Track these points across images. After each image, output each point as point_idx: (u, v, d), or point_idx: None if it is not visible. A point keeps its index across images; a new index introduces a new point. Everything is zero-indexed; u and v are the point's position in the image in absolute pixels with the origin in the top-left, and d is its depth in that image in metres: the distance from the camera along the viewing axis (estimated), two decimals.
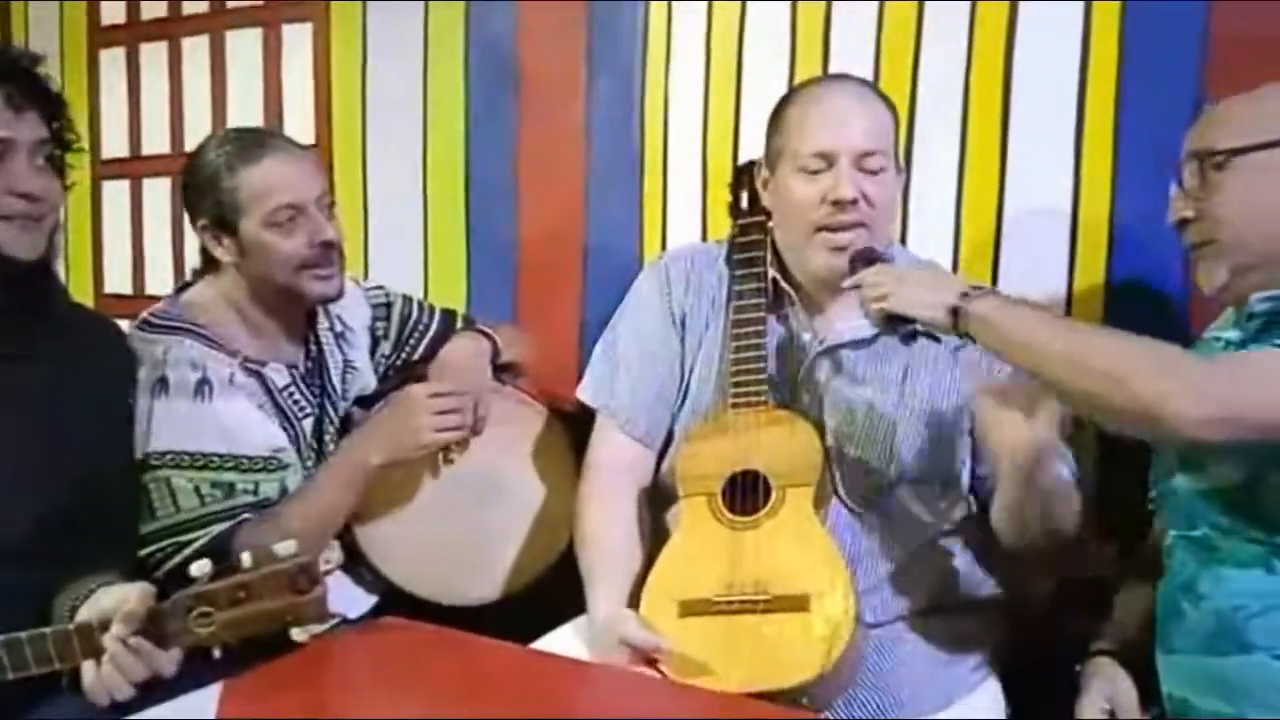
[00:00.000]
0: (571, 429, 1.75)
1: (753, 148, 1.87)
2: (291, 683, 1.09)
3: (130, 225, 2.61)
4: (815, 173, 1.38)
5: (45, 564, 1.24)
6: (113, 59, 2.60)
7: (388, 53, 2.23)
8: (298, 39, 2.33)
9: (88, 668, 1.09)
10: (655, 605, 1.34)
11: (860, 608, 1.29)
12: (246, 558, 1.06)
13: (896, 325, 1.26)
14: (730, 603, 1.29)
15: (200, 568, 1.07)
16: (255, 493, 1.51)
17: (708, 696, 1.18)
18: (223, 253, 1.56)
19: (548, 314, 2.10)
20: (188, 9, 2.47)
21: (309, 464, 1.63)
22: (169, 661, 1.08)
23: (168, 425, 1.46)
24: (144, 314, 1.58)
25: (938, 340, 1.39)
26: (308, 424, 1.63)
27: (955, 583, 1.43)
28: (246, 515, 1.48)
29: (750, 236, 1.49)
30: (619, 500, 1.50)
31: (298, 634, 1.08)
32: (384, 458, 1.55)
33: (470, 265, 2.19)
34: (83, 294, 2.56)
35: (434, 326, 1.81)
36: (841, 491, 1.41)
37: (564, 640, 1.45)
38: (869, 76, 1.75)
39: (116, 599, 1.10)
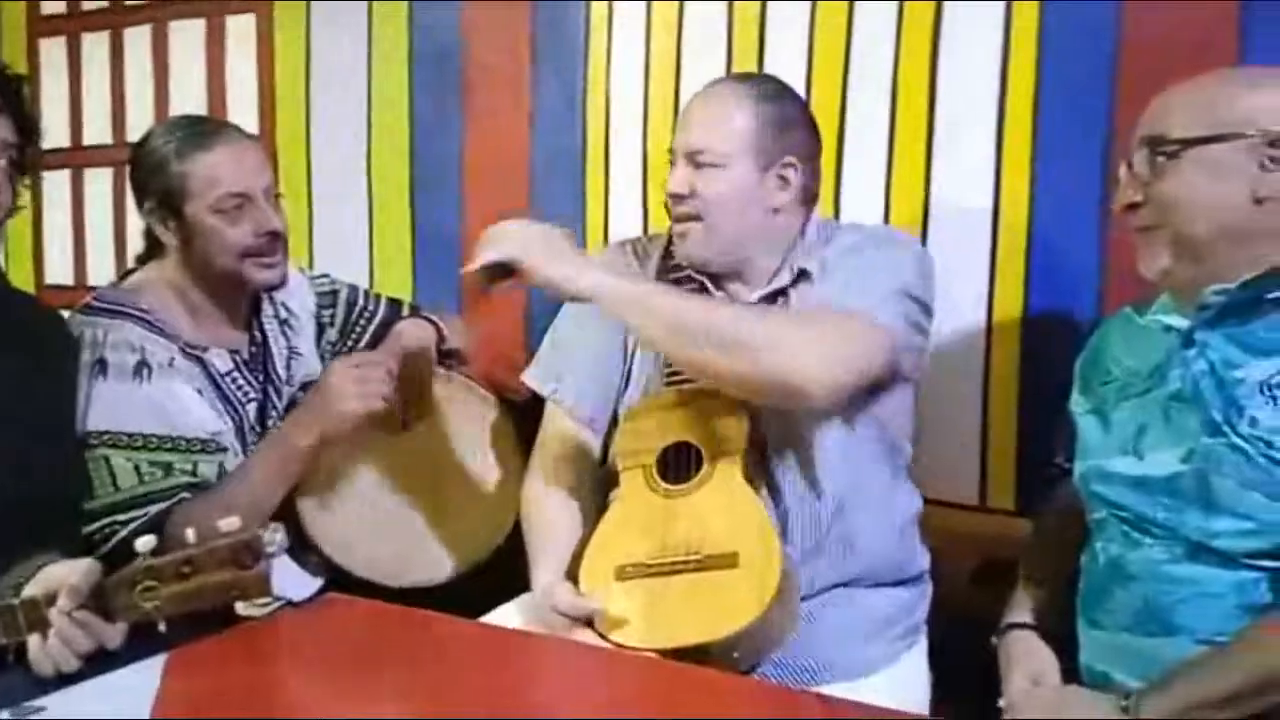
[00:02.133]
0: (517, 417, 1.78)
1: None
2: (236, 655, 1.12)
3: (71, 216, 2.60)
4: (674, 166, 1.48)
5: None
6: (53, 48, 2.59)
7: (332, 44, 2.25)
8: (241, 30, 2.34)
9: (34, 641, 1.10)
10: (592, 570, 1.39)
11: (790, 567, 1.34)
12: (190, 534, 1.08)
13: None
14: (663, 564, 1.34)
15: (145, 543, 1.08)
16: (194, 473, 1.52)
17: (640, 662, 1.22)
18: (168, 236, 1.58)
19: (492, 305, 2.11)
20: None
21: (252, 448, 1.65)
22: (115, 634, 1.10)
23: (107, 406, 1.47)
24: (86, 298, 1.59)
25: (805, 275, 1.45)
26: (251, 409, 1.64)
27: (882, 556, 1.47)
28: (184, 495, 1.50)
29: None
30: (562, 481, 1.55)
31: (242, 608, 1.11)
32: (313, 437, 1.55)
33: (415, 256, 2.21)
34: (23, 284, 2.52)
35: (380, 313, 1.83)
36: (765, 461, 1.45)
37: (507, 616, 1.49)
38: (801, 74, 1.82)
39: (62, 574, 1.12)
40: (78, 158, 2.58)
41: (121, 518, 1.46)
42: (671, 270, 1.53)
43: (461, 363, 1.85)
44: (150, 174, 1.57)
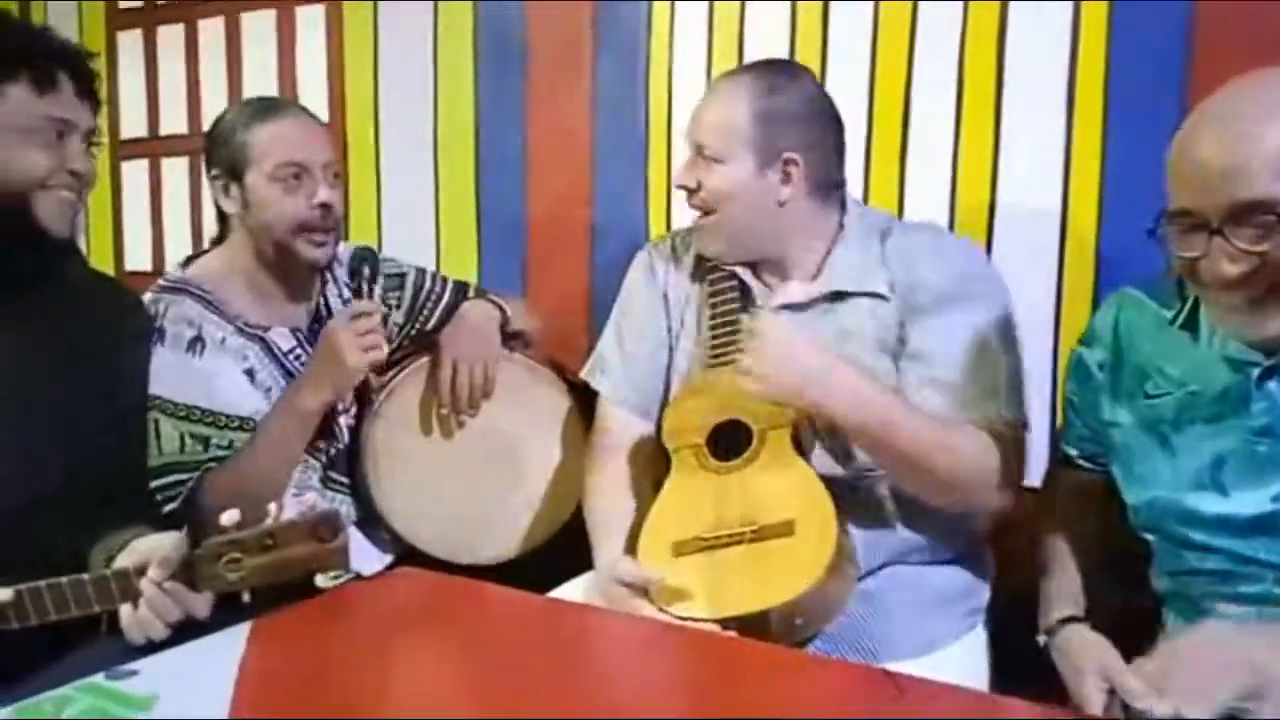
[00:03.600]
0: (581, 398, 1.81)
1: None
2: (315, 623, 1.16)
3: (149, 204, 2.68)
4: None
5: (73, 517, 1.30)
6: (131, 41, 2.66)
7: (399, 33, 2.28)
8: (311, 20, 2.38)
9: (125, 610, 1.15)
10: (649, 548, 1.41)
11: (846, 533, 1.35)
12: (273, 508, 1.13)
13: None
14: (719, 537, 1.36)
15: (230, 517, 1.13)
16: (229, 449, 1.58)
17: (706, 637, 1.23)
18: (229, 203, 1.64)
19: (556, 288, 2.16)
20: None
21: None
22: (202, 604, 1.14)
23: (159, 373, 1.54)
24: (158, 281, 1.68)
25: (879, 298, 1.46)
26: None
27: (939, 532, 1.47)
28: (210, 465, 1.56)
29: None
30: (620, 470, 1.59)
31: (322, 580, 1.15)
32: (322, 396, 1.58)
33: (480, 241, 2.24)
34: (105, 270, 2.63)
35: (446, 296, 1.86)
36: (819, 443, 1.46)
37: (570, 594, 1.51)
38: (867, 46, 1.81)
39: (152, 546, 1.17)
40: (155, 147, 2.66)
41: (157, 482, 1.52)
42: (710, 266, 1.55)
43: (527, 344, 1.88)
44: (218, 144, 1.65)
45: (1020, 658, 1.40)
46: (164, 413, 1.54)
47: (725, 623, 1.30)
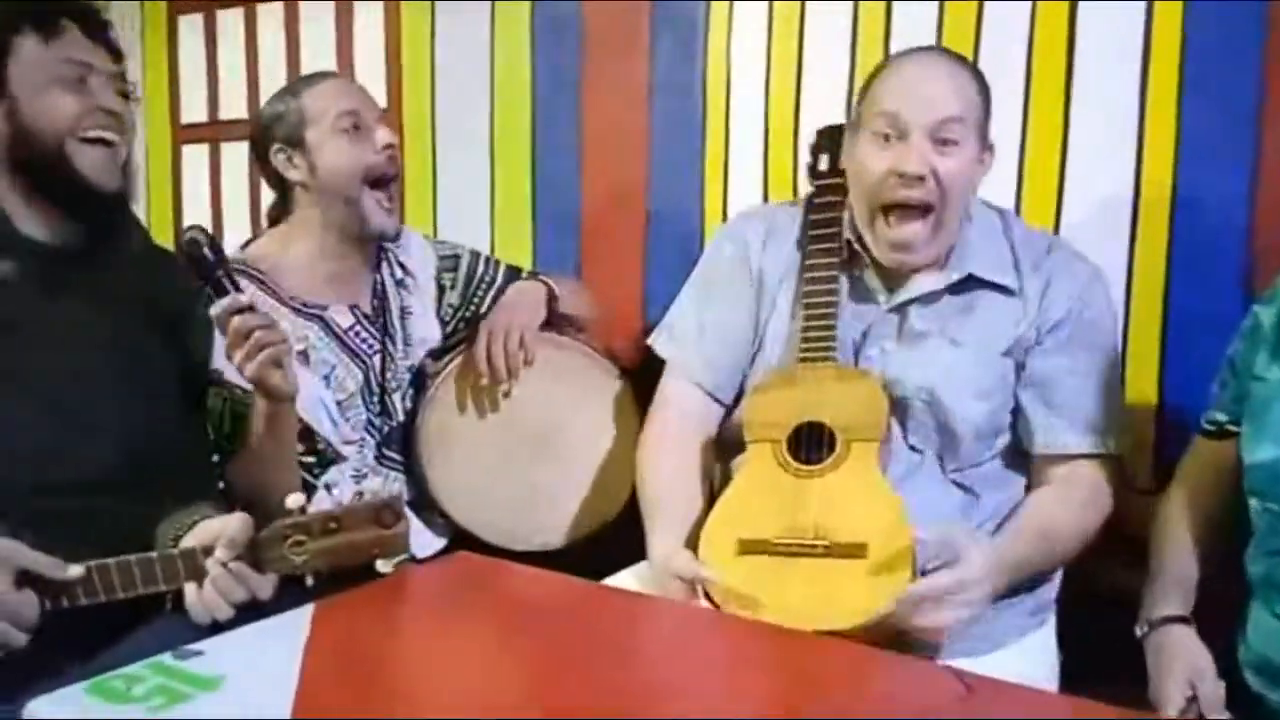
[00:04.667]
0: (635, 386, 1.80)
1: (814, 108, 1.90)
2: (377, 605, 1.16)
3: (209, 187, 2.71)
4: (886, 139, 1.34)
5: (137, 492, 1.32)
6: (191, 25, 2.68)
7: (456, 18, 2.28)
8: (369, 5, 2.38)
9: (190, 589, 1.17)
10: (714, 541, 1.37)
11: (919, 564, 1.30)
12: (335, 492, 1.14)
13: None
14: (789, 545, 1.32)
15: (295, 500, 1.15)
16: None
17: (767, 629, 1.21)
18: (295, 172, 1.65)
19: (611, 274, 2.15)
20: None
21: (373, 400, 1.72)
22: (265, 585, 1.16)
23: (217, 351, 1.55)
24: None
25: (1007, 292, 1.42)
26: (376, 361, 1.71)
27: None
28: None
29: (827, 198, 1.49)
30: (681, 445, 1.54)
31: (382, 565, 1.16)
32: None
33: (535, 226, 2.24)
34: None
35: (499, 280, 1.87)
36: (901, 441, 1.43)
37: (624, 583, 1.50)
38: (933, 32, 1.77)
39: (218, 528, 1.18)
40: (215, 131, 2.68)
41: None
42: (810, 250, 1.46)
43: (580, 329, 1.87)
44: (271, 122, 1.67)
45: (1087, 652, 1.39)
46: (212, 383, 1.55)
47: None
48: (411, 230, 1.87)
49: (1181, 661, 1.19)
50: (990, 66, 1.51)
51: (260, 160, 1.70)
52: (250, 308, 1.33)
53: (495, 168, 2.27)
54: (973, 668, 1.13)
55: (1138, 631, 1.26)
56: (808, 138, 1.89)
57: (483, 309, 1.84)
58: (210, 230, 1.38)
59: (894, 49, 1.80)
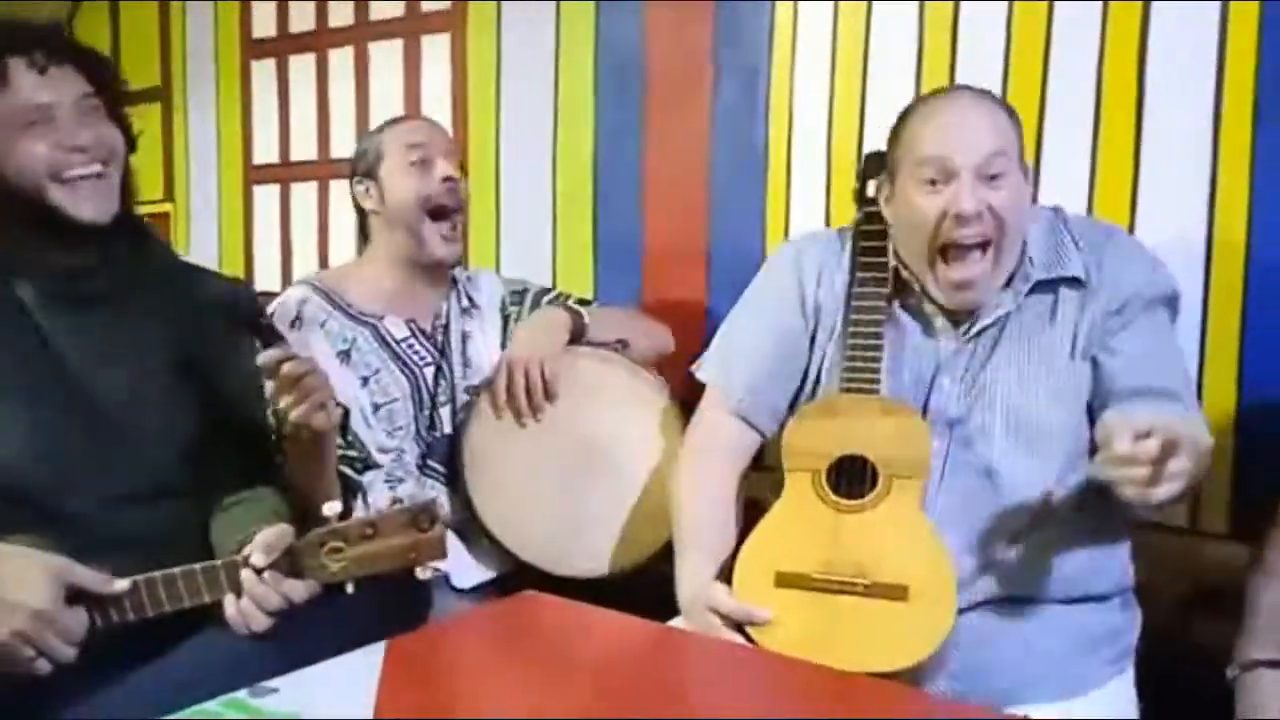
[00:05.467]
0: (685, 408, 1.74)
1: (878, 143, 1.89)
2: (449, 646, 1.16)
3: (280, 228, 2.78)
4: (934, 184, 1.33)
5: (189, 495, 1.34)
6: (264, 70, 2.77)
7: (521, 59, 2.32)
8: (436, 48, 2.44)
9: (229, 600, 1.18)
10: (749, 572, 1.34)
11: (958, 603, 1.27)
12: (328, 507, 1.15)
13: None
14: (829, 581, 1.29)
15: (331, 507, 1.15)
16: None
17: (826, 673, 1.16)
18: (368, 201, 1.79)
19: (672, 309, 2.15)
20: (334, 22, 2.61)
21: (424, 410, 1.75)
22: (301, 590, 1.16)
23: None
24: None
25: (1078, 284, 1.37)
26: (428, 373, 1.77)
27: (1077, 572, 1.38)
28: None
29: (874, 225, 1.46)
30: (715, 475, 1.50)
31: (421, 572, 1.15)
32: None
33: (597, 261, 2.26)
34: None
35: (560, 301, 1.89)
36: (954, 468, 1.37)
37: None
38: (998, 75, 1.77)
39: (266, 536, 1.19)
40: (285, 173, 2.76)
41: None
42: (857, 279, 1.44)
43: (626, 346, 1.85)
44: (357, 157, 1.83)
45: (1168, 702, 1.35)
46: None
47: None
48: (486, 269, 1.96)
49: (1272, 710, 1.15)
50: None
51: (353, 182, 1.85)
52: (295, 356, 1.35)
53: (558, 204, 2.30)
54: (1053, 713, 1.11)
55: (1228, 674, 1.22)
56: None
57: None
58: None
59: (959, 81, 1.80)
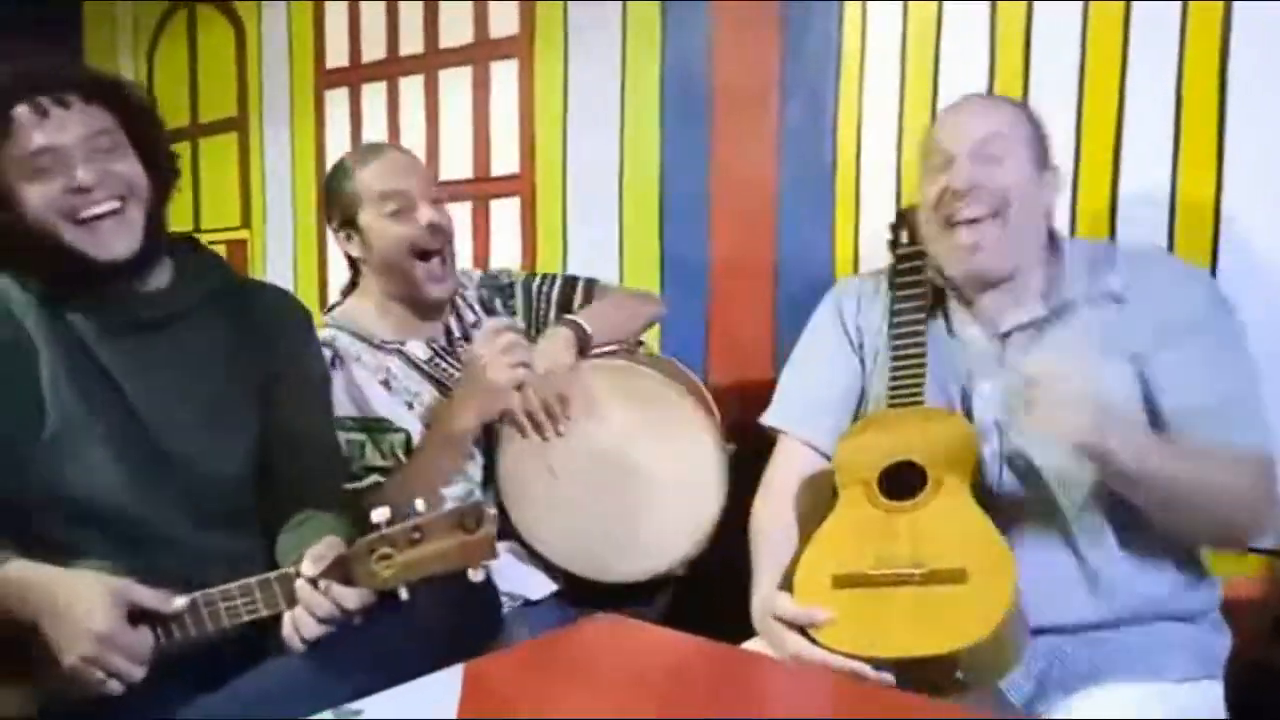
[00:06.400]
0: (762, 443, 1.76)
1: None
2: (526, 670, 1.17)
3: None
4: (938, 170, 1.42)
5: (255, 522, 1.36)
6: (337, 99, 2.83)
7: (587, 81, 2.34)
8: (504, 74, 2.47)
9: (286, 615, 1.19)
10: (808, 578, 1.36)
11: (1021, 589, 1.26)
12: (420, 503, 1.15)
13: None
14: (885, 575, 1.31)
15: (380, 514, 1.15)
16: (383, 455, 1.67)
17: (886, 695, 1.18)
18: (353, 249, 1.78)
19: (741, 328, 2.15)
20: (404, 50, 2.67)
21: None
22: (353, 598, 1.16)
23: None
24: None
25: (1114, 300, 1.39)
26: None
27: (1158, 587, 1.36)
28: (378, 478, 1.65)
29: (910, 263, 1.54)
30: (789, 504, 1.54)
31: (474, 574, 1.15)
32: (468, 420, 1.63)
33: (664, 281, 2.26)
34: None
35: (556, 287, 1.91)
36: (1010, 470, 1.39)
37: (761, 647, 1.47)
38: (1073, 81, 1.74)
39: (317, 547, 1.19)
40: None
41: None
42: (894, 298, 1.50)
43: (639, 345, 1.88)
44: (330, 201, 1.80)
45: None
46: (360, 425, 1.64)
47: (881, 664, 1.24)
48: (468, 270, 1.95)
49: None
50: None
51: (328, 223, 1.83)
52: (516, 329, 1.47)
53: (624, 226, 2.31)
54: (1134, 690, 1.12)
55: None
56: None
57: (548, 318, 1.87)
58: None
59: (1032, 103, 1.76)
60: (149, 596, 1.18)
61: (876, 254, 1.95)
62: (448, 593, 1.17)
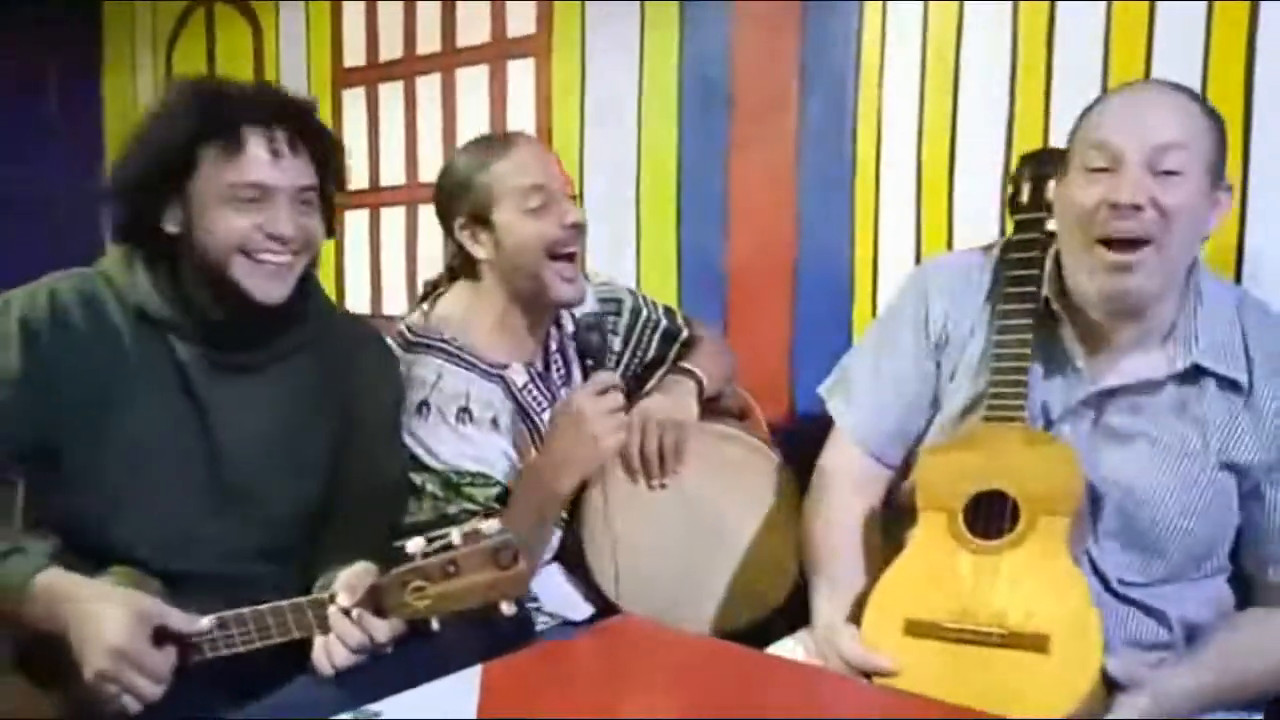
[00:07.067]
0: (786, 447, 1.73)
1: (970, 159, 1.86)
2: (545, 670, 1.17)
3: (369, 251, 2.83)
4: (1099, 171, 1.22)
5: (297, 555, 1.36)
6: (354, 98, 2.82)
7: (605, 80, 2.33)
8: (521, 73, 2.47)
9: (317, 640, 1.20)
10: (879, 619, 1.28)
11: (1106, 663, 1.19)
12: (456, 536, 1.14)
13: None
14: (963, 631, 1.22)
15: (415, 545, 1.15)
16: (470, 504, 1.55)
17: (928, 706, 1.14)
18: (480, 249, 1.62)
19: (758, 329, 2.13)
20: (421, 49, 2.66)
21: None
22: (384, 629, 1.17)
23: (415, 439, 1.55)
24: (401, 324, 1.68)
25: (1235, 389, 1.26)
26: (546, 416, 1.66)
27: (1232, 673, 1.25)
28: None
29: (1026, 235, 1.36)
30: (846, 509, 1.46)
31: (506, 608, 1.15)
32: (571, 480, 1.53)
33: (681, 281, 2.25)
34: None
35: (662, 323, 1.83)
36: (1099, 552, 1.30)
37: (787, 649, 1.42)
38: (1097, 82, 1.71)
39: (346, 576, 1.21)
40: (375, 198, 2.80)
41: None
42: (1005, 298, 1.34)
43: (743, 417, 1.80)
44: (455, 195, 1.63)
45: None
46: (419, 470, 1.54)
47: None
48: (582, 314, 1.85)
49: None
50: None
51: (443, 224, 1.68)
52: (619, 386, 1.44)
53: (642, 224, 2.30)
54: None
55: None
56: (962, 189, 1.88)
57: (649, 354, 1.81)
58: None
59: (1055, 104, 1.75)
60: (174, 616, 1.17)
61: (895, 256, 1.95)
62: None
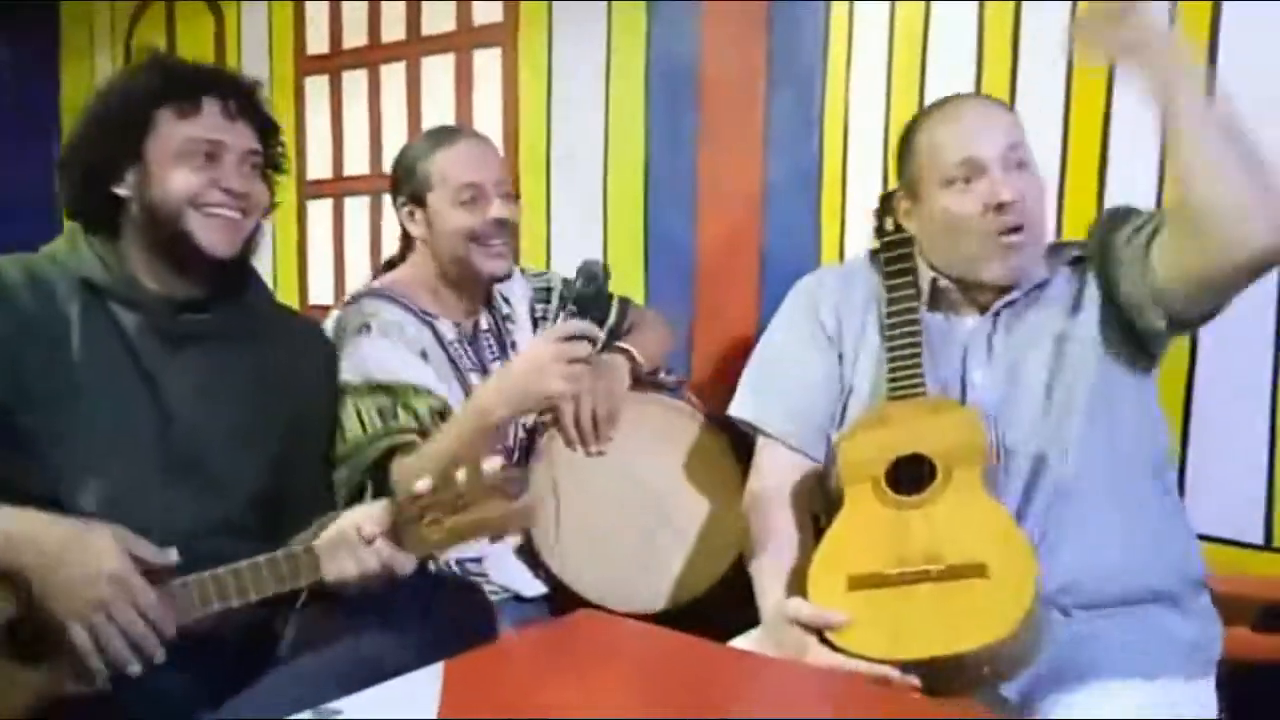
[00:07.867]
0: (739, 444, 1.74)
1: None
2: (508, 665, 1.16)
3: (332, 241, 2.81)
4: (966, 182, 1.41)
5: (258, 536, 1.34)
6: (317, 86, 2.80)
7: (572, 71, 2.33)
8: (487, 63, 2.46)
9: (331, 567, 1.22)
10: (821, 581, 1.32)
11: (1044, 578, 1.26)
12: (461, 474, 1.18)
13: None
14: (902, 574, 1.27)
15: (425, 484, 1.19)
16: (415, 418, 1.60)
17: (879, 693, 1.17)
18: (415, 228, 1.78)
19: (724, 320, 2.14)
20: (386, 38, 2.64)
21: None
22: (406, 562, 1.21)
23: (350, 359, 1.62)
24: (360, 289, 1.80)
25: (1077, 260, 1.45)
26: (474, 378, 1.75)
27: (1152, 572, 1.37)
28: (405, 439, 1.58)
29: (898, 250, 1.52)
30: (784, 510, 1.51)
31: (512, 539, 1.20)
32: (509, 410, 1.56)
33: (648, 272, 2.25)
34: (290, 304, 2.76)
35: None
36: (1014, 470, 1.39)
37: (743, 646, 1.44)
38: (1060, 82, 1.74)
39: (359, 515, 1.23)
40: (339, 187, 2.78)
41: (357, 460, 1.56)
42: (899, 285, 1.48)
43: (679, 384, 1.84)
44: (403, 176, 1.79)
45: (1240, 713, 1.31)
46: (346, 393, 1.59)
47: (905, 666, 1.21)
48: (527, 267, 1.94)
49: None
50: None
51: (393, 201, 1.83)
52: (594, 342, 1.50)
53: (609, 216, 2.30)
54: (1127, 690, 1.13)
55: None
56: None
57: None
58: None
59: (1019, 103, 1.77)
60: (145, 548, 1.17)
61: (860, 246, 1.95)
62: (441, 607, 1.23)
